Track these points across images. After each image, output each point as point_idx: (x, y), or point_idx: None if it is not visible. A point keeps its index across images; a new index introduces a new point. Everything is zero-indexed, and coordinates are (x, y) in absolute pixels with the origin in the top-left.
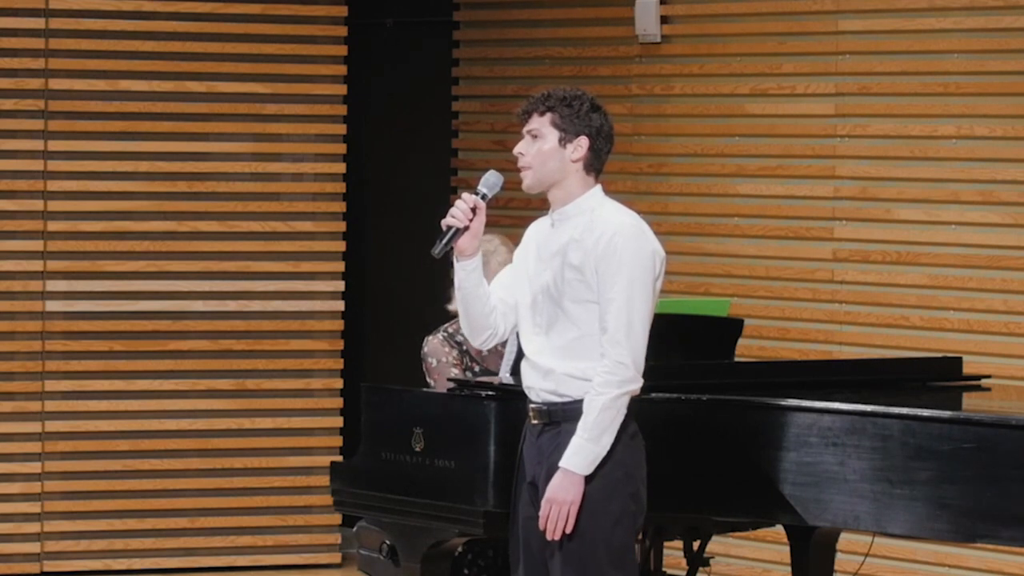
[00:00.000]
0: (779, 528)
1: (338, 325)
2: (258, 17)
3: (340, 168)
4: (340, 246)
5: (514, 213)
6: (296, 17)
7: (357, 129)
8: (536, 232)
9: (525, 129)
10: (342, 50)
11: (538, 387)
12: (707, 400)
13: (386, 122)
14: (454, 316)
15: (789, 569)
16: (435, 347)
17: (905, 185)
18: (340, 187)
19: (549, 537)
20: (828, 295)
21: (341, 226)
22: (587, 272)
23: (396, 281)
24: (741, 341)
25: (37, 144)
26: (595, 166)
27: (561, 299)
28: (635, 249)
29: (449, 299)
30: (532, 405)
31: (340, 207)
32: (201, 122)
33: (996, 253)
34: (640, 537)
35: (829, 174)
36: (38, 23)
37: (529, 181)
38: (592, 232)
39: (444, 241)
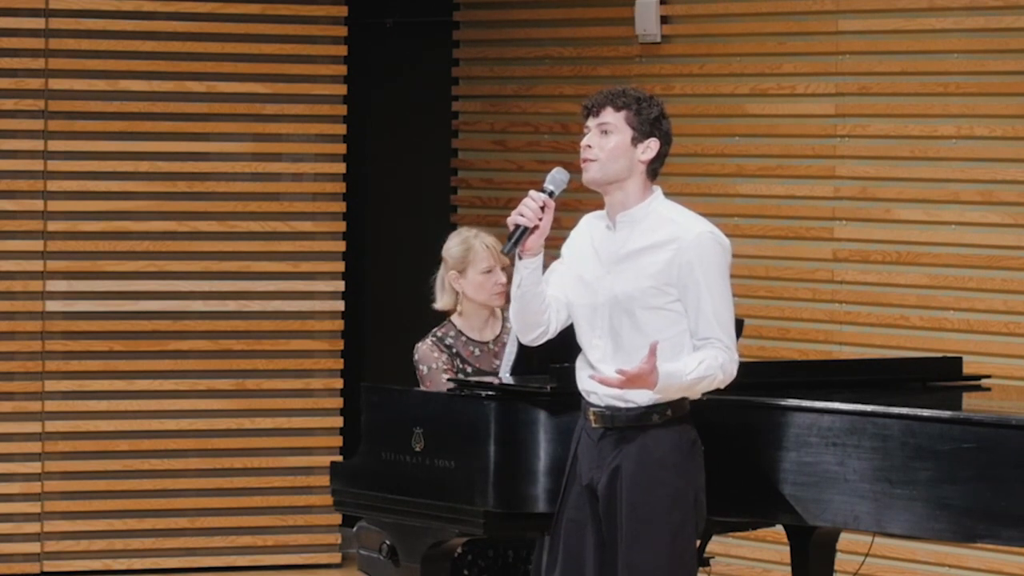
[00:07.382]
0: (779, 528)
1: (338, 325)
2: (258, 17)
3: (340, 168)
4: (340, 246)
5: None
6: (296, 17)
7: (357, 129)
8: (592, 232)
9: (596, 122)
10: (342, 50)
11: (601, 391)
12: (707, 400)
13: (386, 122)
14: (443, 317)
15: (789, 569)
16: (424, 353)
17: (905, 185)
18: (340, 187)
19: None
20: (828, 295)
21: (341, 226)
22: (671, 278)
23: (396, 281)
24: (741, 341)
25: (37, 144)
26: (656, 170)
27: (632, 306)
28: (723, 254)
29: (434, 298)
30: (593, 409)
31: (340, 207)
32: (201, 122)
33: (996, 253)
34: None
35: (829, 174)
36: (38, 23)
37: (594, 174)
38: (674, 239)
39: (514, 240)
